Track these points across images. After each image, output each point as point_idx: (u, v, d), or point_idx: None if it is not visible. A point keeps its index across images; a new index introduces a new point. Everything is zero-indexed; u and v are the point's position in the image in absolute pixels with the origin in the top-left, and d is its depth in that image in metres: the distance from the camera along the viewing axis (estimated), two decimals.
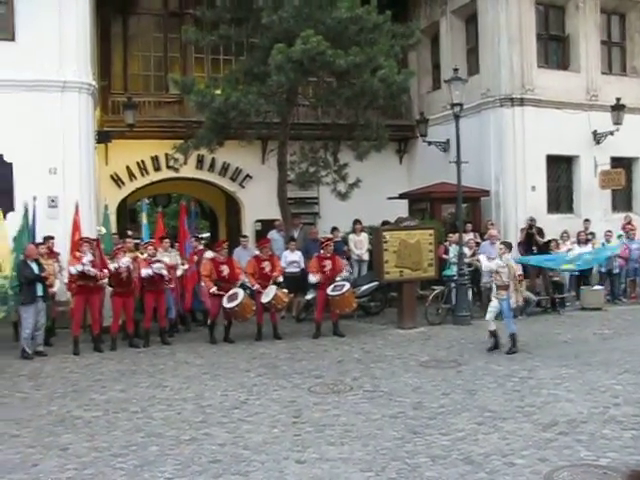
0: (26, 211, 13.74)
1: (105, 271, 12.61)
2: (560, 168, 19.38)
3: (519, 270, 11.92)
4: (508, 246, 11.89)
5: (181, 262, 14.28)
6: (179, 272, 14.09)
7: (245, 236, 17.44)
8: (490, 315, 11.66)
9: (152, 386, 9.81)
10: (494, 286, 11.78)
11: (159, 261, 13.09)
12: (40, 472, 6.47)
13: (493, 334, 11.63)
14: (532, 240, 16.54)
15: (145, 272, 12.84)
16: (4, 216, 13.40)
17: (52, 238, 13.74)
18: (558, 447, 6.75)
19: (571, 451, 6.64)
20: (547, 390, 8.96)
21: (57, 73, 14.83)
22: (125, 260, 12.75)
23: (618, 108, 18.64)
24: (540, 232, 16.79)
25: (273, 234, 17.07)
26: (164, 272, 13.04)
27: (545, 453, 6.60)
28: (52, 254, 13.50)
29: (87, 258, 12.42)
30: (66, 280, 13.08)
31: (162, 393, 9.40)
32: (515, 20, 18.29)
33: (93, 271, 12.40)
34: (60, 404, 8.91)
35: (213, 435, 7.48)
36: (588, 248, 16.84)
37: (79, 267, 12.33)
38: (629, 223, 17.91)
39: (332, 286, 13.49)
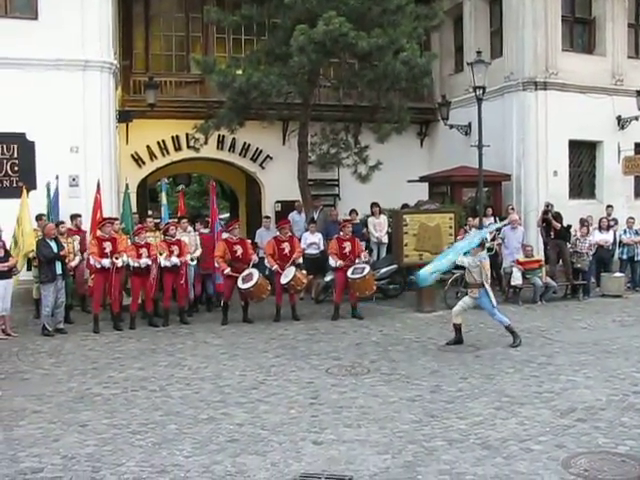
0: (48, 190, 13.85)
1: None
2: (583, 153, 19.17)
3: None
4: (480, 245, 11.29)
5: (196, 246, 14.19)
6: (195, 255, 13.98)
7: (268, 217, 17.52)
8: (458, 309, 11.14)
9: (171, 365, 9.88)
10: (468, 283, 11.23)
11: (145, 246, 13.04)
12: (60, 447, 6.55)
13: (457, 328, 11.14)
14: (550, 225, 16.40)
15: (166, 262, 12.88)
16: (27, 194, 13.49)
17: (79, 216, 13.89)
18: (576, 434, 6.73)
19: (589, 438, 6.62)
20: (565, 376, 8.92)
21: (79, 52, 14.86)
22: (144, 261, 12.74)
23: None
24: (557, 217, 16.56)
25: (294, 215, 17.10)
26: (168, 264, 12.97)
27: (563, 439, 6.58)
28: (80, 231, 13.67)
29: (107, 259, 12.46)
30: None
31: (180, 372, 9.47)
32: (540, 2, 18.02)
33: (107, 262, 12.44)
34: (80, 381, 9.01)
35: (231, 415, 7.53)
36: (610, 235, 16.73)
37: (103, 261, 12.39)
38: None
39: (352, 268, 13.46)
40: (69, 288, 13.11)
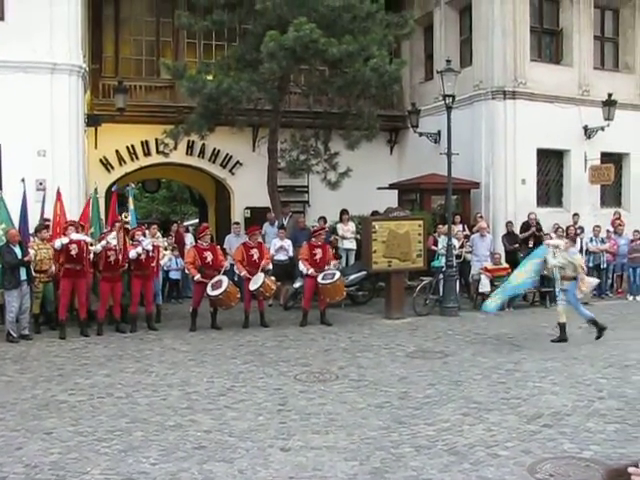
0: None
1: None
2: (550, 162, 19.37)
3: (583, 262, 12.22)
4: (572, 240, 12.28)
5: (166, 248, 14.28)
6: (163, 262, 14.11)
7: (237, 223, 17.53)
8: (561, 307, 11.79)
9: (138, 371, 9.79)
10: (558, 277, 11.86)
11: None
12: (23, 455, 6.44)
13: (562, 327, 11.72)
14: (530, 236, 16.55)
15: (133, 252, 12.82)
16: None
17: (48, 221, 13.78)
18: (542, 439, 6.79)
19: (555, 443, 6.68)
20: (532, 383, 9.00)
21: (47, 55, 14.65)
22: (147, 242, 12.98)
23: (609, 104, 18.62)
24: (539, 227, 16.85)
25: (266, 227, 16.88)
26: (150, 247, 13.06)
27: (529, 445, 6.63)
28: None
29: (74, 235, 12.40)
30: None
31: (148, 379, 9.38)
32: (509, 13, 18.22)
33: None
34: (45, 388, 8.88)
35: (198, 421, 7.47)
36: (577, 243, 16.95)
37: (63, 241, 12.29)
38: (618, 219, 18.00)
39: (323, 274, 13.49)
40: (49, 294, 12.93)
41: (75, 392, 8.69)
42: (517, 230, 17.15)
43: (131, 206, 16.13)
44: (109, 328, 12.82)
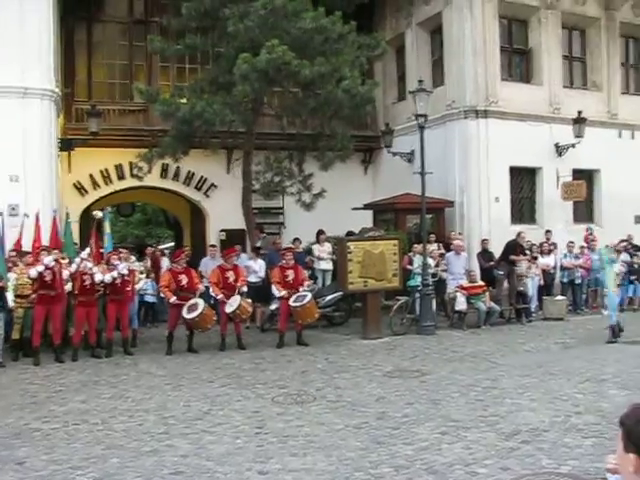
0: None
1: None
2: (523, 179, 19.58)
3: None
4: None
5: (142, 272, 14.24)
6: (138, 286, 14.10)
7: (213, 245, 17.49)
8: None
9: (114, 397, 9.67)
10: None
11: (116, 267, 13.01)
12: None
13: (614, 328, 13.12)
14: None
15: (108, 276, 12.73)
16: None
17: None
18: (520, 456, 6.79)
19: (533, 459, 6.68)
20: (510, 399, 9.02)
21: (19, 79, 14.56)
22: (123, 266, 12.88)
23: (579, 121, 18.90)
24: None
25: (207, 261, 16.58)
26: (125, 272, 12.98)
27: (507, 462, 6.63)
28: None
29: (47, 259, 12.26)
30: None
31: (124, 404, 9.27)
32: (479, 33, 18.47)
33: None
34: (17, 416, 8.72)
35: (175, 446, 7.39)
36: (551, 259, 17.15)
37: (39, 269, 12.15)
38: (591, 234, 18.20)
39: (295, 296, 13.47)
40: (29, 321, 12.76)
41: (49, 419, 8.55)
42: (498, 249, 17.07)
43: (107, 230, 16.01)
44: (84, 353, 12.67)
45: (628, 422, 2.15)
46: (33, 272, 12.21)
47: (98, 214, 14.34)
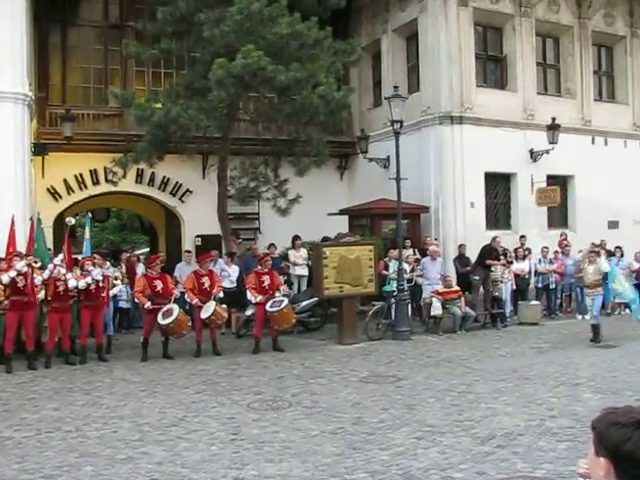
0: None
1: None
2: (498, 185, 19.70)
3: None
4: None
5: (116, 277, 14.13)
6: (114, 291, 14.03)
7: (189, 251, 17.44)
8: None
9: (88, 404, 9.57)
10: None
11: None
12: None
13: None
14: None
15: (82, 282, 12.61)
16: None
17: None
18: (495, 460, 6.82)
19: (508, 463, 6.71)
20: (485, 404, 9.05)
21: None
22: (97, 272, 12.72)
23: (553, 127, 19.06)
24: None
25: (182, 266, 16.52)
26: (100, 277, 12.87)
27: (483, 466, 6.65)
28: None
29: (20, 264, 12.11)
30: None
31: (98, 411, 9.18)
32: (454, 40, 18.58)
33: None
34: None
35: (150, 453, 7.32)
36: (525, 264, 17.26)
37: (11, 274, 12.00)
38: (565, 239, 18.36)
39: (271, 302, 13.44)
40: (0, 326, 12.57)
41: (21, 428, 8.43)
42: (474, 254, 17.13)
43: (87, 235, 15.84)
44: (58, 360, 12.54)
45: (599, 426, 2.15)
46: (5, 278, 12.07)
47: (71, 220, 14.21)
